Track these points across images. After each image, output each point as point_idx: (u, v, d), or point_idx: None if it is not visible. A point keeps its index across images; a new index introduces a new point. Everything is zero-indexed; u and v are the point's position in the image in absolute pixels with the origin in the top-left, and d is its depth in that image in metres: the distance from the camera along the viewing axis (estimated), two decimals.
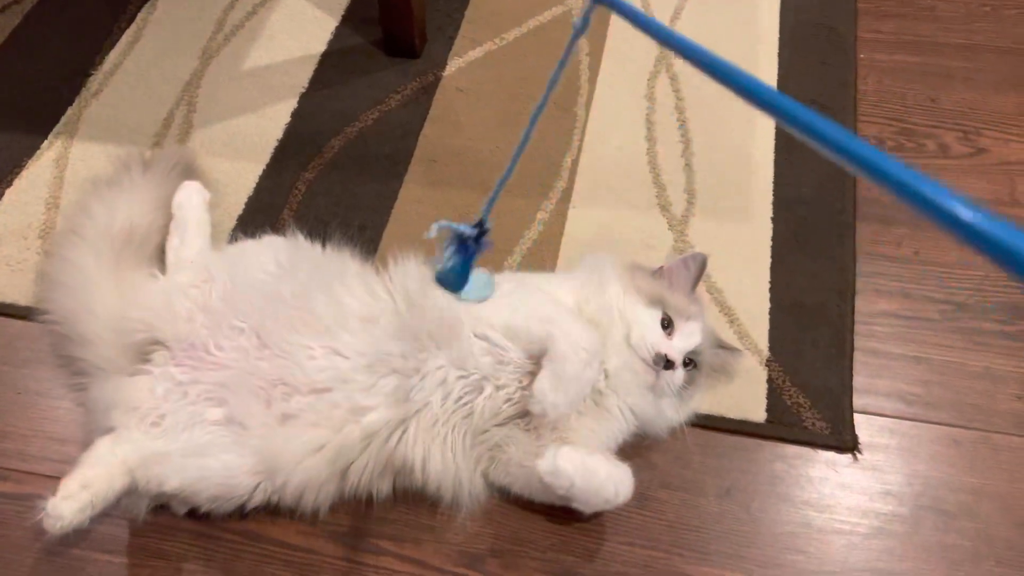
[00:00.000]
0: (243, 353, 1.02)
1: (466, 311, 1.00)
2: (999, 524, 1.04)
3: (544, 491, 0.99)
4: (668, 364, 1.01)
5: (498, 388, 1.00)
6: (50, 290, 1.17)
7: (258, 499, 1.01)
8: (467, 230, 0.81)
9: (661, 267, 1.12)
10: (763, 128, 1.44)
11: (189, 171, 1.29)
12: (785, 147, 1.42)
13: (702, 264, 1.11)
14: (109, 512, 1.06)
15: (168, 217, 1.19)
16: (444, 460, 0.99)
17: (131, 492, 0.98)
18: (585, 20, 0.69)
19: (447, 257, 0.81)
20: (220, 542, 1.05)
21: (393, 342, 1.01)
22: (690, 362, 1.04)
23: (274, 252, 1.13)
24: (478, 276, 0.84)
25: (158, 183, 1.22)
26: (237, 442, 0.99)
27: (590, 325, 1.00)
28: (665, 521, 1.06)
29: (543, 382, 0.92)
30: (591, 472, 0.95)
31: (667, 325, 1.04)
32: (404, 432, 0.99)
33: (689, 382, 1.04)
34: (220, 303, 1.06)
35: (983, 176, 1.37)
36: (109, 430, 1.01)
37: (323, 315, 1.03)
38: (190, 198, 1.21)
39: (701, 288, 1.18)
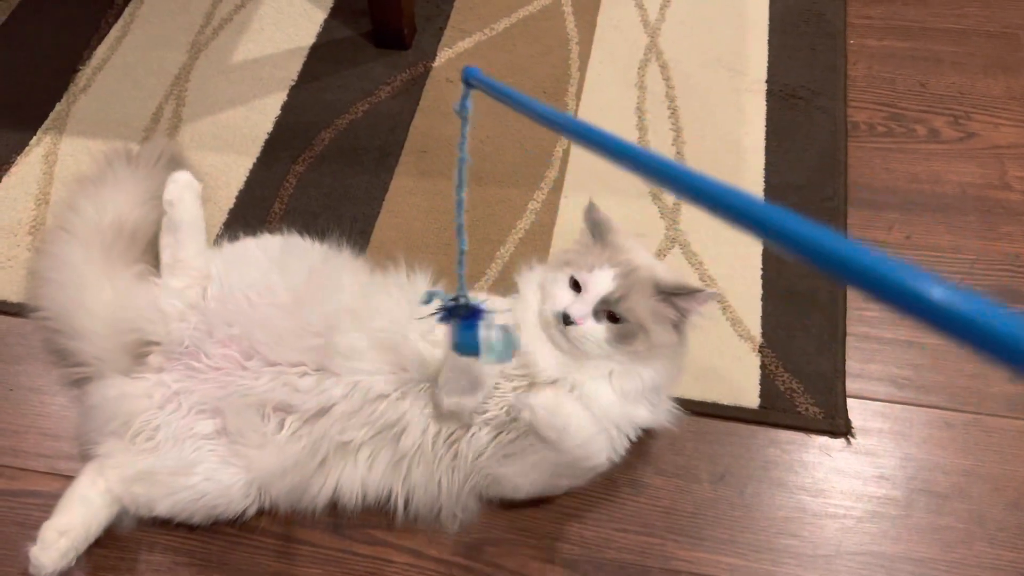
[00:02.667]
0: (234, 364, 1.01)
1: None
2: (991, 505, 1.05)
3: (533, 467, 0.98)
4: (567, 320, 0.93)
5: (485, 424, 0.98)
6: (42, 287, 1.16)
7: (253, 511, 1.02)
8: (449, 303, 0.84)
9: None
10: (753, 115, 1.45)
11: (176, 163, 1.28)
12: (775, 134, 1.42)
13: (593, 211, 1.01)
14: None
15: (158, 210, 1.17)
16: (429, 492, 1.00)
17: (120, 516, 1.00)
18: (463, 104, 0.73)
19: (455, 332, 0.84)
20: (215, 535, 1.05)
21: (383, 372, 0.99)
22: (613, 317, 0.94)
23: (273, 254, 1.11)
24: (498, 336, 0.83)
25: (145, 177, 1.22)
26: (230, 458, 0.99)
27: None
28: (660, 507, 1.06)
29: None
30: (573, 413, 0.93)
31: (576, 287, 0.97)
32: (399, 465, 1.00)
33: (624, 337, 0.93)
34: (214, 303, 1.05)
35: (973, 160, 1.37)
36: (106, 436, 1.02)
37: (318, 331, 1.01)
38: (182, 197, 1.15)
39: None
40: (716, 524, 1.05)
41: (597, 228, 1.00)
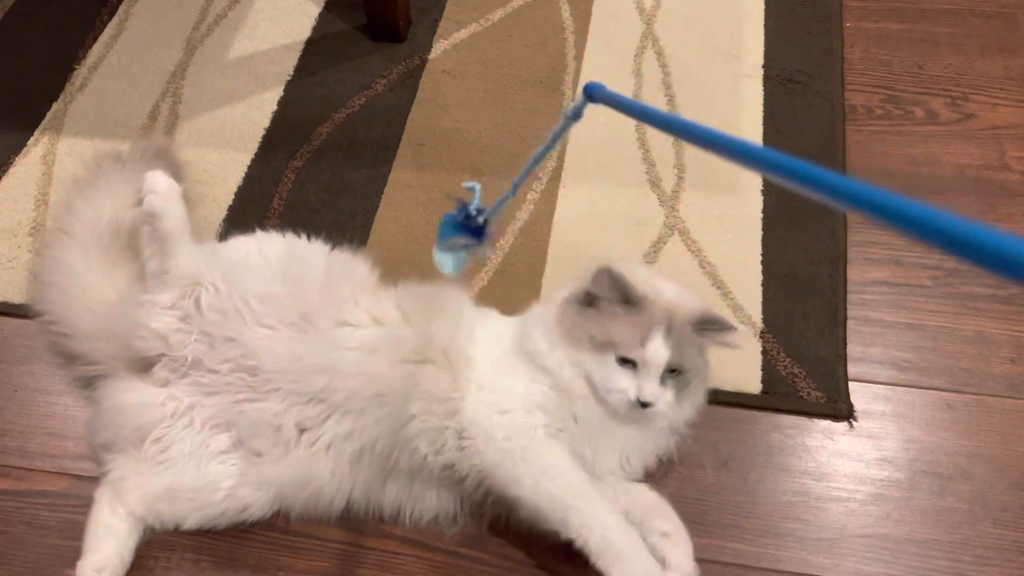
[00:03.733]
0: (243, 382, 1.01)
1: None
2: (994, 486, 1.05)
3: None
4: (646, 404, 0.92)
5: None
6: (44, 291, 1.16)
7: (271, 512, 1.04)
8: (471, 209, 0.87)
9: (587, 292, 0.96)
10: (750, 101, 1.44)
11: (165, 159, 1.27)
12: (773, 119, 1.42)
13: (613, 278, 0.93)
14: None
15: None
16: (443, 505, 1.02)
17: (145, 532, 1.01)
18: (578, 111, 0.74)
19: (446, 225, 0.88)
20: (224, 532, 1.05)
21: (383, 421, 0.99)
22: (672, 371, 0.93)
23: (274, 261, 1.07)
24: (462, 255, 0.89)
25: (135, 176, 1.20)
26: (250, 472, 1.00)
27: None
28: (664, 494, 1.05)
29: None
30: None
31: (626, 361, 0.93)
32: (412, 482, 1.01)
33: (683, 385, 0.95)
34: (212, 314, 1.02)
35: (972, 141, 1.37)
36: (116, 452, 1.03)
37: (319, 369, 0.99)
38: (164, 208, 1.05)
39: (658, 281, 1.00)
40: (720, 510, 1.05)
41: (622, 291, 0.93)
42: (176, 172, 1.26)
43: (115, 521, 0.98)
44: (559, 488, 0.92)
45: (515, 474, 0.94)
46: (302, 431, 1.00)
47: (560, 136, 0.80)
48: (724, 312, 1.19)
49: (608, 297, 0.94)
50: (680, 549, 0.95)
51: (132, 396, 1.02)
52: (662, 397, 0.92)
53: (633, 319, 0.92)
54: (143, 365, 1.05)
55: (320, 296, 1.03)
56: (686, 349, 0.93)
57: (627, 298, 0.93)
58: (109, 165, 1.23)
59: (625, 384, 0.92)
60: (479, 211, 0.88)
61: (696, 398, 1.00)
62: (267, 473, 0.99)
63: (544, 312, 1.00)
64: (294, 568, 1.03)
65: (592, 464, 0.98)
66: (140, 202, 1.07)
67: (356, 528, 1.05)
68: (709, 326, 0.94)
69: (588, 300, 0.96)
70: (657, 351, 0.91)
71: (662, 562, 0.92)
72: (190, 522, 1.00)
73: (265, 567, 1.03)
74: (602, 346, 0.93)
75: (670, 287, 0.98)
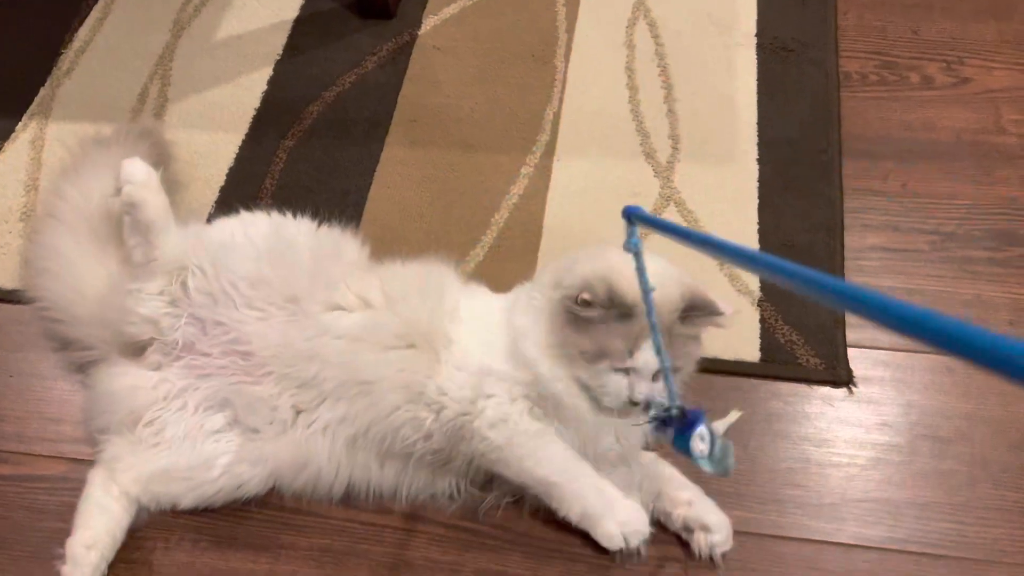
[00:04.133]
0: (236, 365, 1.00)
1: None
2: (994, 447, 1.05)
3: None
4: (648, 406, 0.90)
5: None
6: (36, 277, 1.15)
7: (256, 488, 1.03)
8: (662, 413, 0.80)
9: (583, 298, 0.89)
10: (744, 70, 1.43)
11: (151, 139, 1.26)
12: (767, 88, 1.41)
13: (607, 292, 0.89)
14: None
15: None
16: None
17: (139, 514, 1.00)
18: (635, 241, 0.72)
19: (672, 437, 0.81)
20: (222, 511, 1.05)
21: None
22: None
23: (262, 242, 1.05)
24: (715, 448, 0.80)
25: (120, 158, 1.19)
26: (246, 448, 1.00)
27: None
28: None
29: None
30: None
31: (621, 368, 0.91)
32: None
33: (676, 372, 0.93)
34: (201, 297, 1.02)
35: (968, 106, 1.36)
36: (110, 434, 1.02)
37: (310, 356, 0.99)
38: (144, 197, 1.03)
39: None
40: (721, 478, 1.05)
41: (615, 306, 0.89)
42: (162, 152, 1.25)
43: (108, 500, 0.98)
44: (543, 470, 0.95)
45: (500, 458, 0.96)
46: (299, 412, 1.00)
47: (642, 272, 0.75)
48: (720, 280, 1.19)
49: (596, 310, 0.89)
50: (710, 510, 0.98)
51: (125, 380, 1.01)
52: (655, 392, 0.90)
53: (622, 330, 0.89)
54: (136, 349, 1.04)
55: (309, 278, 1.02)
56: (675, 346, 0.90)
57: (616, 307, 0.89)
58: (94, 149, 1.22)
59: (618, 387, 0.91)
60: (669, 409, 0.80)
61: (686, 371, 0.97)
62: (264, 449, 0.99)
63: (530, 303, 0.97)
64: (296, 546, 1.02)
65: (585, 445, 0.98)
66: (118, 192, 1.04)
67: (356, 505, 1.05)
68: (695, 313, 0.91)
69: (575, 311, 0.90)
70: (647, 360, 0.89)
71: (702, 528, 0.97)
72: (186, 501, 1.00)
73: (267, 546, 1.03)
74: (594, 357, 0.90)
75: (655, 274, 0.88)
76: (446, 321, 0.99)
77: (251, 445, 0.99)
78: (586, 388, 0.93)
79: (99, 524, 0.97)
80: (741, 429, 1.08)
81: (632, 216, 0.71)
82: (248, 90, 1.46)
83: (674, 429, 0.79)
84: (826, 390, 1.11)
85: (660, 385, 0.91)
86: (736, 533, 1.00)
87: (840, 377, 1.11)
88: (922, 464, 1.04)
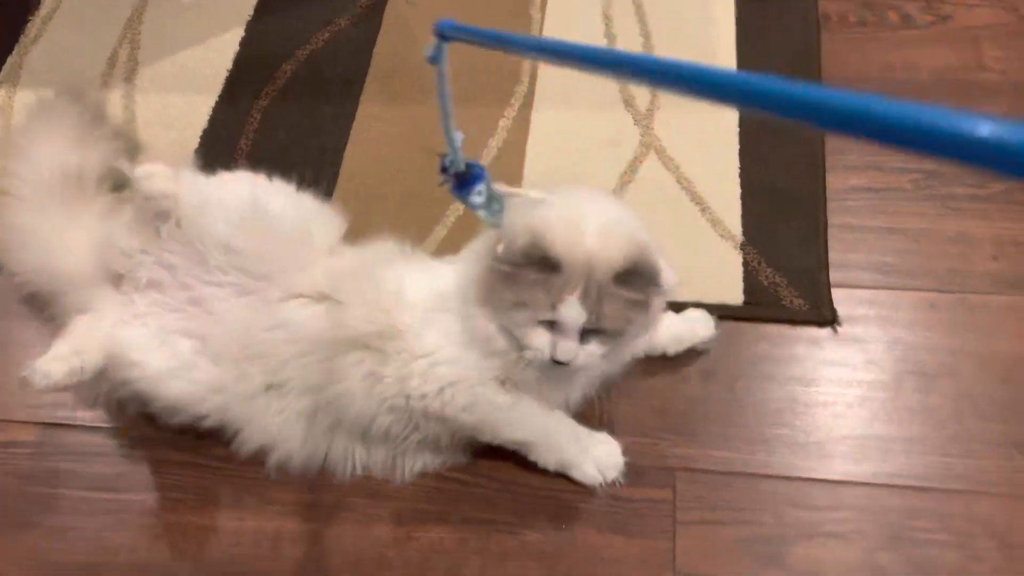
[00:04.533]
0: (197, 311, 0.99)
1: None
2: (980, 381, 1.05)
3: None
4: (561, 363, 0.86)
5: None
6: (8, 253, 1.13)
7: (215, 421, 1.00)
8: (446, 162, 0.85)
9: (497, 249, 0.85)
10: (723, 16, 1.41)
11: (81, 102, 1.21)
12: (746, 34, 1.39)
13: (525, 246, 0.83)
14: (97, 452, 1.06)
15: (96, 148, 1.14)
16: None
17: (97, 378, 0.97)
18: (434, 56, 0.72)
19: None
20: (205, 469, 1.05)
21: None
22: (595, 331, 0.86)
23: (229, 201, 1.03)
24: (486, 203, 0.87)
25: (63, 118, 1.15)
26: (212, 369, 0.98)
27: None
28: (651, 408, 1.06)
29: None
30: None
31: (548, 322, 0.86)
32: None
33: (613, 337, 0.87)
34: (172, 243, 1.01)
35: (949, 44, 1.35)
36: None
37: (271, 311, 0.97)
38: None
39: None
40: (708, 420, 1.05)
41: (541, 261, 0.83)
42: (97, 115, 1.22)
43: (96, 332, 0.96)
44: (520, 434, 0.97)
45: (477, 430, 0.96)
46: (275, 395, 0.97)
47: (443, 85, 0.75)
48: (702, 226, 1.18)
49: (521, 262, 0.84)
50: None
51: (94, 293, 1.01)
52: (581, 353, 0.86)
53: (547, 282, 0.83)
54: (114, 279, 1.03)
55: (279, 259, 0.99)
56: (607, 307, 0.83)
57: (539, 261, 0.83)
58: (35, 116, 1.18)
59: (540, 343, 0.86)
60: (451, 162, 0.85)
61: (642, 340, 0.94)
62: (233, 387, 0.97)
63: (470, 267, 0.93)
64: (281, 501, 1.02)
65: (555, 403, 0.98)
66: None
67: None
68: (631, 279, 0.83)
69: (507, 263, 0.85)
70: (569, 314, 0.83)
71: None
72: (150, 371, 0.96)
73: (252, 503, 1.02)
74: (519, 307, 0.85)
75: (596, 235, 0.84)
76: (393, 312, 0.95)
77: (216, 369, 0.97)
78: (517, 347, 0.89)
79: (90, 341, 0.95)
80: (727, 371, 1.08)
81: (444, 31, 0.67)
82: (220, 52, 1.43)
83: (455, 183, 0.86)
84: (811, 331, 1.10)
85: (593, 346, 0.86)
86: (723, 473, 1.01)
87: (824, 317, 1.10)
88: (908, 400, 1.04)
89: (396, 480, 1.02)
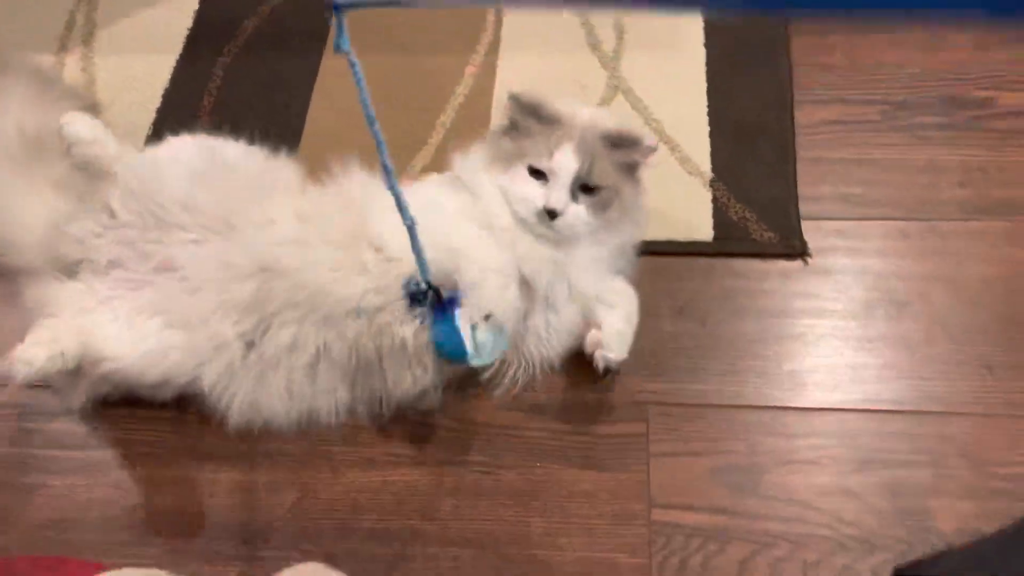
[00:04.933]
0: (165, 276, 0.97)
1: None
2: (950, 306, 1.05)
3: None
4: (553, 214, 0.92)
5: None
6: None
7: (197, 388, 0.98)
8: (413, 287, 0.83)
9: (508, 120, 0.99)
10: None
11: (25, 70, 1.19)
12: None
13: (522, 101, 0.97)
14: (64, 411, 1.05)
15: (51, 111, 1.11)
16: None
17: (74, 372, 0.95)
18: (338, 43, 0.65)
19: (432, 328, 0.85)
20: (180, 424, 1.03)
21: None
22: (585, 188, 0.94)
23: (185, 160, 1.02)
24: (486, 336, 0.85)
25: (20, 83, 1.12)
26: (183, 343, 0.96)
27: (495, 244, 0.95)
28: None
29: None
30: (629, 322, 0.98)
31: (538, 175, 0.94)
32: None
33: (602, 205, 0.94)
34: (128, 217, 0.99)
35: None
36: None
37: (250, 272, 0.95)
38: (96, 154, 1.03)
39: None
40: (679, 355, 1.04)
41: (534, 112, 0.96)
42: (47, 77, 1.19)
43: (73, 321, 0.93)
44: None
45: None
46: (248, 344, 0.96)
47: (359, 78, 0.70)
48: (671, 164, 1.17)
49: (523, 118, 0.96)
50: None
51: (52, 294, 0.98)
52: (571, 208, 0.92)
53: (546, 133, 0.94)
54: (69, 271, 1.01)
55: (243, 201, 0.98)
56: (598, 163, 0.93)
57: (541, 116, 0.95)
58: None
59: (533, 193, 0.93)
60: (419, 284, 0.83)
61: (629, 227, 0.98)
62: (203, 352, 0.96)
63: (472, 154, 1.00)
64: (254, 452, 1.01)
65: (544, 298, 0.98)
66: (68, 150, 1.03)
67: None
68: (621, 140, 0.94)
69: (511, 127, 0.97)
70: (563, 160, 0.92)
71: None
72: (126, 359, 0.94)
73: (225, 455, 1.01)
74: (515, 158, 0.94)
75: (588, 109, 0.97)
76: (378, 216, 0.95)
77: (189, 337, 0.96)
78: (508, 203, 0.95)
79: (67, 328, 0.91)
80: (698, 307, 1.07)
81: (337, 6, 0.60)
82: (179, 10, 1.41)
83: (433, 312, 0.84)
84: (782, 264, 1.10)
85: (583, 206, 0.93)
86: (696, 406, 1.00)
87: (794, 249, 1.10)
88: (879, 327, 1.04)
89: (378, 420, 1.00)
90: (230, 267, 0.95)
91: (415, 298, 0.85)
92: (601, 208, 0.94)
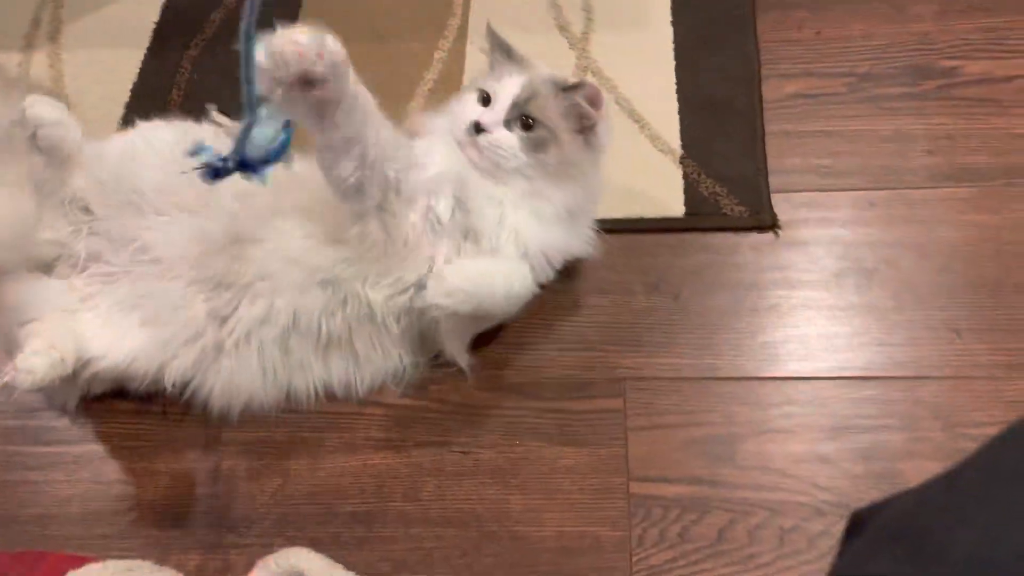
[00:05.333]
0: (140, 264, 0.97)
1: None
2: (919, 272, 1.06)
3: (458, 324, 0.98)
4: (479, 128, 0.93)
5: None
6: None
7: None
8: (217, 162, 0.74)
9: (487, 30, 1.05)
10: None
11: None
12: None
13: (492, 33, 1.03)
14: (43, 407, 1.05)
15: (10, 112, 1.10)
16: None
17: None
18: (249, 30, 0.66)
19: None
20: (161, 416, 1.03)
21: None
22: (526, 121, 0.93)
23: (157, 145, 1.02)
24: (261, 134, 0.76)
25: None
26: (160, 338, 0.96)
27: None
28: (598, 323, 1.06)
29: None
30: (483, 275, 0.92)
31: (486, 102, 0.96)
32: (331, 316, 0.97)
33: (537, 145, 0.93)
34: (102, 210, 0.99)
35: None
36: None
37: (223, 245, 0.95)
38: (61, 136, 0.98)
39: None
40: (654, 330, 1.05)
41: (505, 49, 1.01)
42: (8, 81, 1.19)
43: (65, 324, 0.93)
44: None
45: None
46: (221, 321, 0.96)
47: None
48: (641, 142, 1.18)
49: (492, 53, 1.02)
50: None
51: (32, 292, 0.98)
52: (500, 130, 0.93)
53: (504, 65, 0.99)
54: (45, 268, 1.01)
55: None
56: (540, 99, 0.94)
57: (510, 54, 1.00)
58: None
59: (471, 110, 0.95)
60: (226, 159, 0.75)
61: (573, 188, 0.96)
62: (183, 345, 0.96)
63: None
64: (234, 442, 1.01)
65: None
66: (31, 137, 0.99)
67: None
68: (566, 85, 0.96)
69: (487, 41, 1.03)
70: (508, 84, 0.95)
71: None
72: (115, 357, 0.95)
73: (206, 444, 1.01)
74: (471, 86, 0.99)
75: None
76: None
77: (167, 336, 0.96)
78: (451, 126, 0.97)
79: (61, 334, 0.91)
80: (671, 282, 1.08)
81: None
82: (146, 3, 1.41)
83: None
84: (753, 237, 1.11)
85: (514, 135, 0.93)
86: (672, 379, 1.01)
87: (765, 222, 1.11)
88: (850, 296, 1.05)
89: (353, 396, 1.01)
90: (203, 241, 0.96)
91: (216, 171, 0.75)
92: (534, 147, 0.93)
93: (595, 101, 0.94)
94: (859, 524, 0.51)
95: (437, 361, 1.02)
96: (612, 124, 1.02)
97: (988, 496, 0.39)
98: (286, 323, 0.96)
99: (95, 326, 0.95)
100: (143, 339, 0.95)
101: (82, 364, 0.93)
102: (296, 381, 0.99)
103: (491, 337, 1.05)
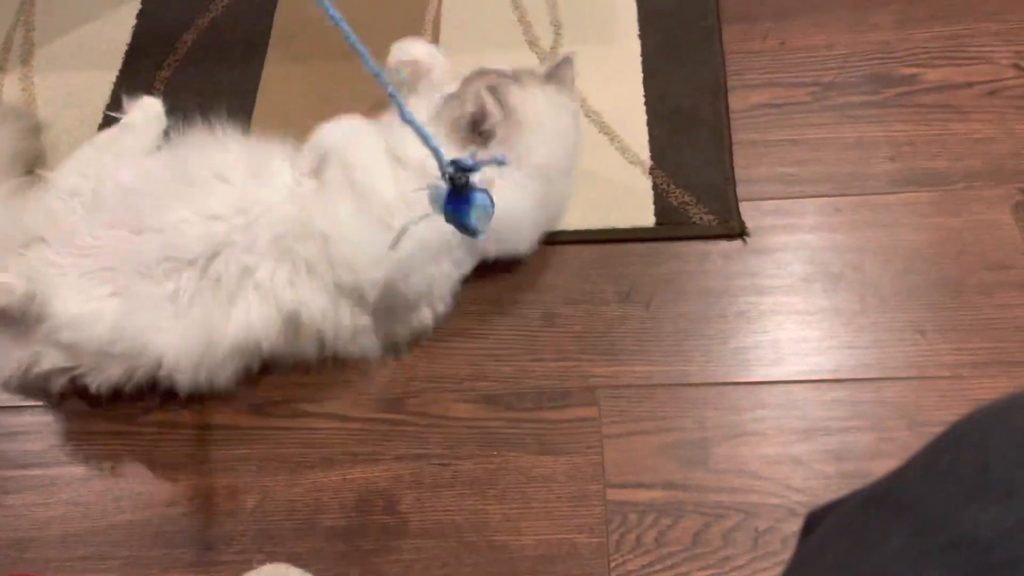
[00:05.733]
0: (119, 241, 0.99)
1: None
2: (883, 275, 1.08)
3: None
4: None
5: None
6: None
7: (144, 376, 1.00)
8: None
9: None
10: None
11: None
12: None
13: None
14: (21, 431, 1.05)
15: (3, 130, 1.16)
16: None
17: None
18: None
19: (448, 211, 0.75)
20: (137, 436, 1.04)
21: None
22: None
23: (148, 142, 1.14)
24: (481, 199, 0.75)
25: None
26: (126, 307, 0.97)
27: None
28: (572, 333, 1.08)
29: None
30: None
31: None
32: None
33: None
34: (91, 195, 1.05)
35: None
36: None
37: (197, 181, 1.01)
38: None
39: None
40: (627, 339, 1.07)
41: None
42: None
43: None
44: None
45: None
46: (181, 272, 0.98)
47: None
48: (611, 154, 1.20)
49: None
50: None
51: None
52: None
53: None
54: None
55: (198, 166, 1.04)
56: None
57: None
58: None
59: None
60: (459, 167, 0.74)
61: None
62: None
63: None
64: (212, 459, 1.02)
65: None
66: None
67: (270, 411, 1.05)
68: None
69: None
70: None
71: None
72: (72, 310, 0.96)
73: (184, 463, 1.02)
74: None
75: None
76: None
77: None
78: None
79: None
80: (642, 291, 1.10)
81: None
82: (117, 26, 1.41)
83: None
84: (722, 245, 1.13)
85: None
86: (645, 386, 1.03)
87: (733, 230, 1.13)
88: (818, 300, 1.08)
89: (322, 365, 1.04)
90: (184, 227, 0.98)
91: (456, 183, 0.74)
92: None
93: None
94: (816, 522, 0.53)
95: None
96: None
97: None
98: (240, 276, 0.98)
99: (62, 283, 0.96)
100: (111, 304, 0.97)
101: (40, 315, 0.95)
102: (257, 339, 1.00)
103: (469, 346, 1.06)
